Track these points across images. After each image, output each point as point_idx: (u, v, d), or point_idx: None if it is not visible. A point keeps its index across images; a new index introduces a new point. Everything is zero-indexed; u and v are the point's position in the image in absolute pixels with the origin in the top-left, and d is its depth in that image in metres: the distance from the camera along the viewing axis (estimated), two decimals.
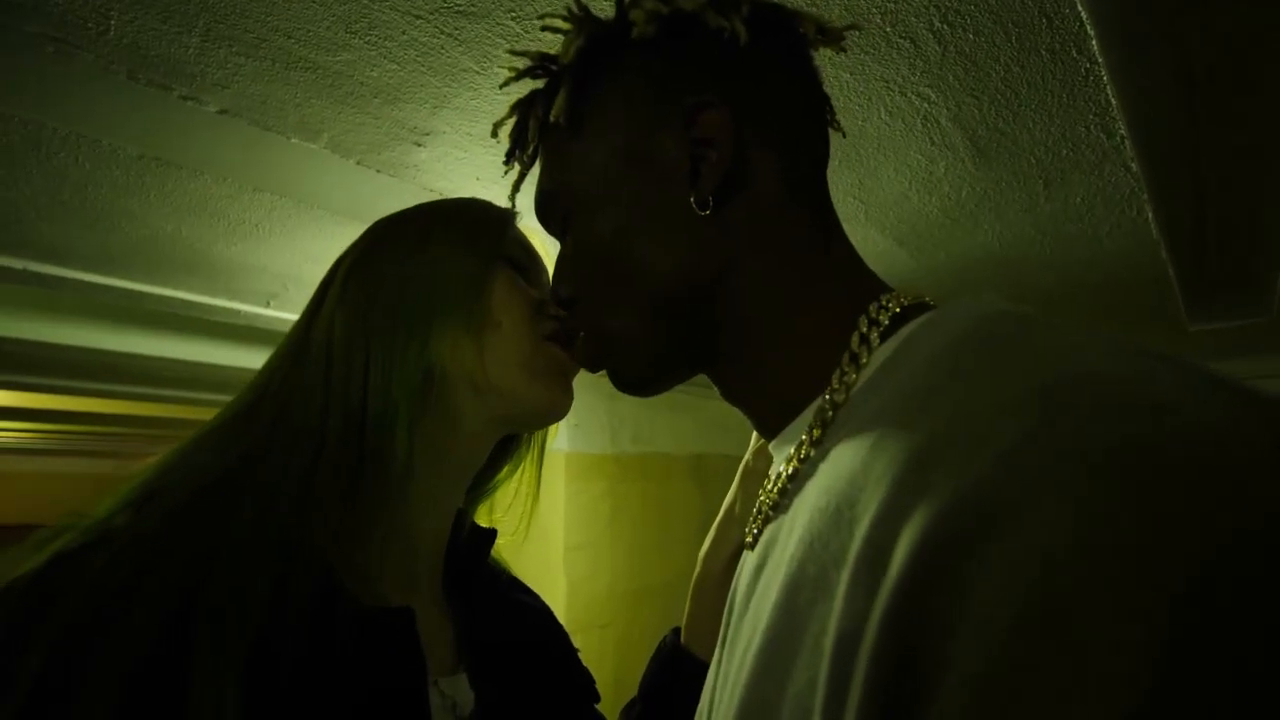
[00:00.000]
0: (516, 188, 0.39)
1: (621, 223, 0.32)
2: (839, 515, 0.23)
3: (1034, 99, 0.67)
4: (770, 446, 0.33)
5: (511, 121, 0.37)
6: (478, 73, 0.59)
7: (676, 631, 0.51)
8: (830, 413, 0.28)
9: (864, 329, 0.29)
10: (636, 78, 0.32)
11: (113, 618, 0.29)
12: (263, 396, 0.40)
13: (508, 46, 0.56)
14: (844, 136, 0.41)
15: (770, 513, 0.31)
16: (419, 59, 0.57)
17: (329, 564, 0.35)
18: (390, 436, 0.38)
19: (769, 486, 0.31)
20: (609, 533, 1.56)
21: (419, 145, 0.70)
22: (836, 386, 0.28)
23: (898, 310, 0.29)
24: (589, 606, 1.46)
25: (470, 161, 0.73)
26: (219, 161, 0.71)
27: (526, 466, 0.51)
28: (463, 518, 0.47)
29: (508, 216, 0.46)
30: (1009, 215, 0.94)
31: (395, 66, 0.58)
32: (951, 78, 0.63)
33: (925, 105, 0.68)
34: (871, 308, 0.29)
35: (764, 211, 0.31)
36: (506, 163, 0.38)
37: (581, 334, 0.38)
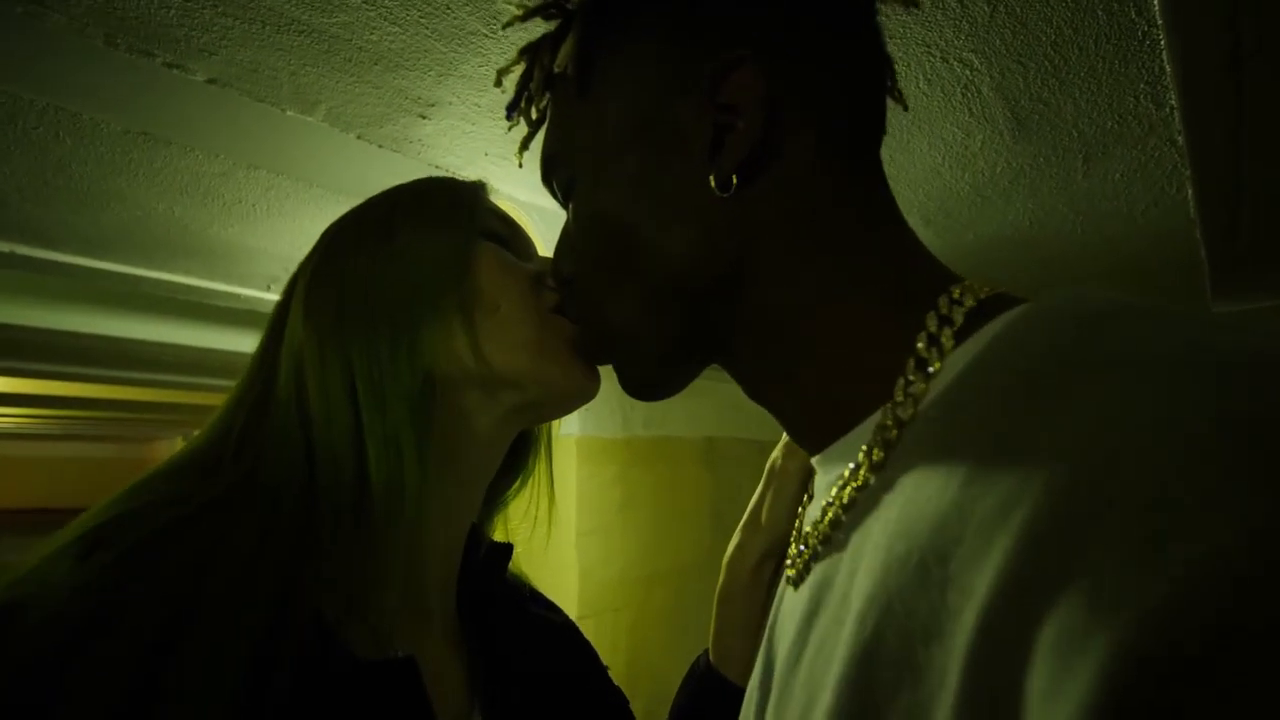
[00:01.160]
0: (524, 147, 0.35)
1: (627, 198, 0.28)
2: (924, 572, 0.18)
3: (1084, 65, 0.63)
4: (813, 461, 0.29)
5: (519, 70, 0.33)
6: (487, 36, 0.54)
7: (705, 654, 0.46)
8: (894, 431, 0.23)
9: (933, 328, 0.24)
10: (655, 26, 0.28)
11: (47, 690, 0.23)
12: (223, 449, 0.33)
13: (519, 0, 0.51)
14: (905, 109, 0.36)
15: (820, 548, 0.26)
16: (422, 21, 0.52)
17: (319, 614, 0.30)
18: (397, 468, 0.32)
19: (817, 515, 0.26)
20: (620, 518, 1.54)
21: (424, 117, 0.65)
22: (900, 399, 0.23)
23: (973, 305, 0.24)
24: (601, 591, 1.45)
25: (479, 135, 0.69)
26: (210, 136, 0.67)
27: (539, 465, 0.47)
28: (477, 532, 0.42)
29: (478, 189, 0.41)
30: (1043, 192, 0.89)
31: (397, 29, 0.53)
32: (999, 41, 0.59)
33: (967, 73, 0.63)
34: (942, 302, 0.24)
35: (797, 192, 0.26)
36: (509, 117, 0.33)
37: (578, 322, 0.35)
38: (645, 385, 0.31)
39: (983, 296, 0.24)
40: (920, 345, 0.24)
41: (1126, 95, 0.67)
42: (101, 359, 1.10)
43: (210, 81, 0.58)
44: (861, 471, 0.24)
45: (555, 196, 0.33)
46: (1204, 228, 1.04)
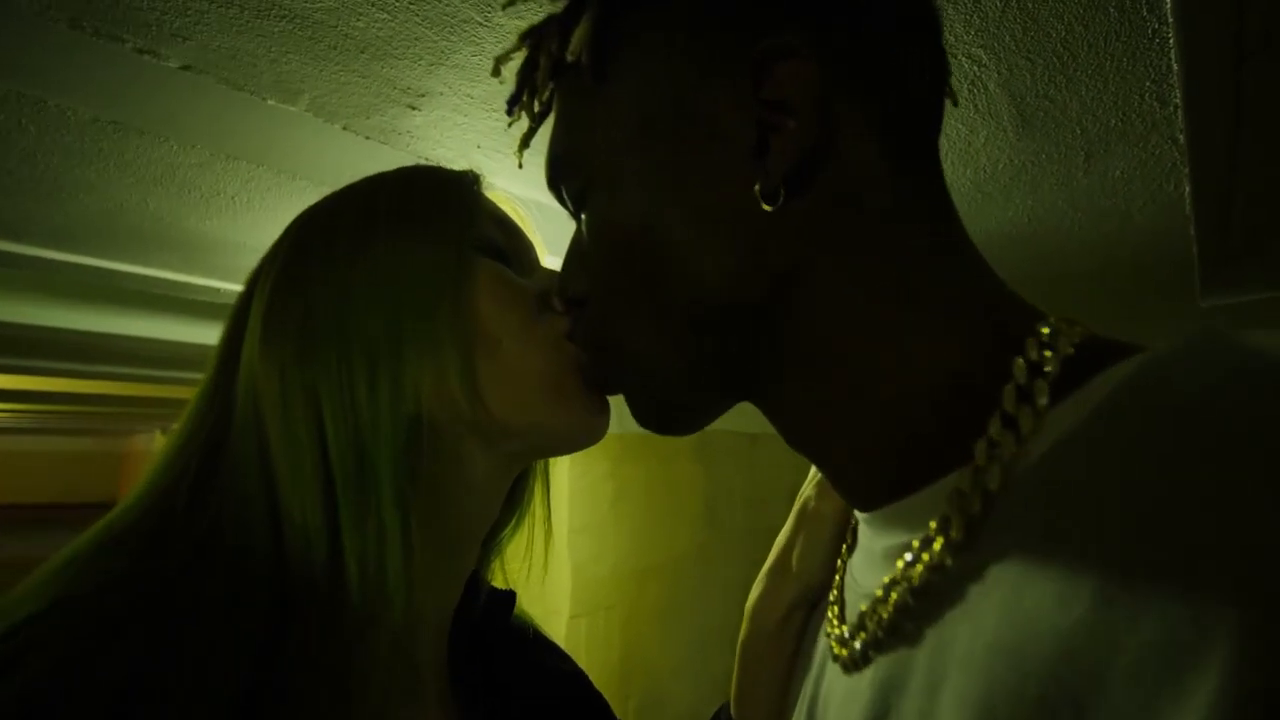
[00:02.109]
0: (524, 145, 0.31)
1: (651, 209, 0.24)
2: (1049, 716, 0.15)
3: (1092, 62, 0.61)
4: (862, 519, 0.25)
5: (520, 57, 0.29)
6: (481, 24, 0.51)
7: (726, 707, 0.43)
8: (977, 504, 0.19)
9: (1022, 378, 0.20)
10: (685, 5, 0.24)
11: None
12: (175, 499, 0.28)
13: None
14: (955, 105, 0.33)
15: (881, 634, 0.22)
16: (412, 7, 0.50)
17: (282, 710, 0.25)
18: (379, 552, 0.27)
19: (877, 592, 0.22)
20: (613, 514, 1.53)
21: (413, 109, 0.62)
22: (983, 463, 0.19)
23: (1070, 352, 0.20)
24: (593, 589, 1.44)
25: (471, 127, 0.66)
26: (186, 126, 0.63)
27: (537, 501, 0.42)
28: (475, 580, 0.38)
29: (472, 182, 0.35)
30: (1043, 189, 0.88)
31: (385, 16, 0.50)
32: (1008, 37, 0.57)
33: (975, 68, 0.61)
34: (1030, 345, 0.20)
35: (856, 206, 0.22)
36: (510, 112, 0.29)
37: (588, 350, 0.31)
38: (662, 421, 0.27)
39: (1077, 340, 0.20)
40: (1008, 399, 0.20)
41: (1132, 93, 0.67)
42: (77, 353, 1.06)
43: (185, 68, 0.55)
44: (936, 549, 0.20)
45: (564, 204, 0.29)
46: (1198, 225, 1.05)
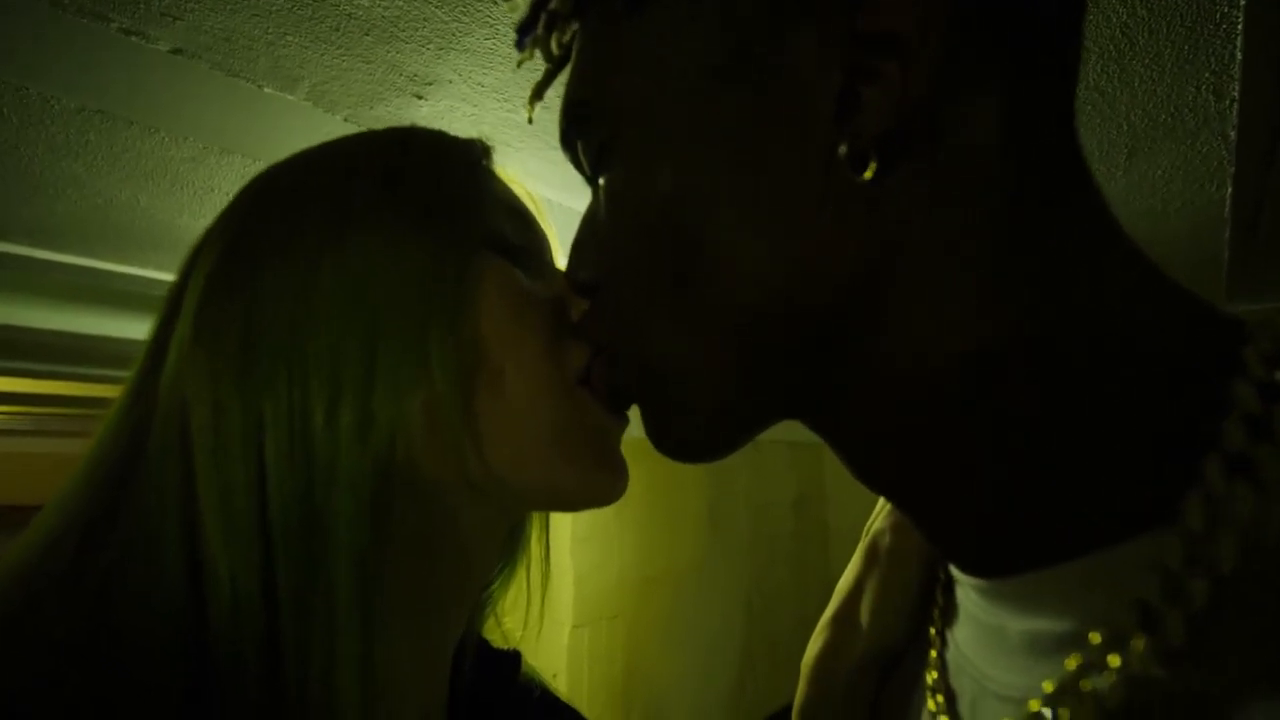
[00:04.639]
0: (538, 95, 0.25)
1: (696, 175, 0.18)
2: None
3: (1150, 49, 0.57)
4: (973, 583, 0.19)
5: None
6: (493, 3, 0.47)
7: None
8: (1201, 586, 0.14)
9: (1252, 403, 0.15)
10: None
11: None
12: (60, 548, 0.21)
13: None
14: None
15: None
16: None
17: None
18: (329, 629, 0.20)
19: (1036, 707, 0.17)
20: (617, 521, 1.49)
21: (419, 97, 0.58)
22: (1199, 527, 0.14)
23: None
24: (597, 598, 1.40)
25: (482, 119, 0.62)
26: (177, 116, 0.59)
27: (535, 549, 0.34)
28: (467, 638, 0.32)
29: (481, 155, 0.28)
30: None
31: None
32: None
33: None
34: (1252, 360, 0.15)
35: (975, 184, 0.17)
36: (520, 45, 0.24)
37: (600, 355, 0.25)
38: (687, 447, 0.22)
39: None
40: (1230, 438, 0.14)
41: (1188, 85, 0.63)
42: (66, 356, 1.02)
43: (175, 52, 0.51)
44: (1137, 652, 0.15)
45: (579, 163, 0.23)
46: (1233, 227, 1.01)
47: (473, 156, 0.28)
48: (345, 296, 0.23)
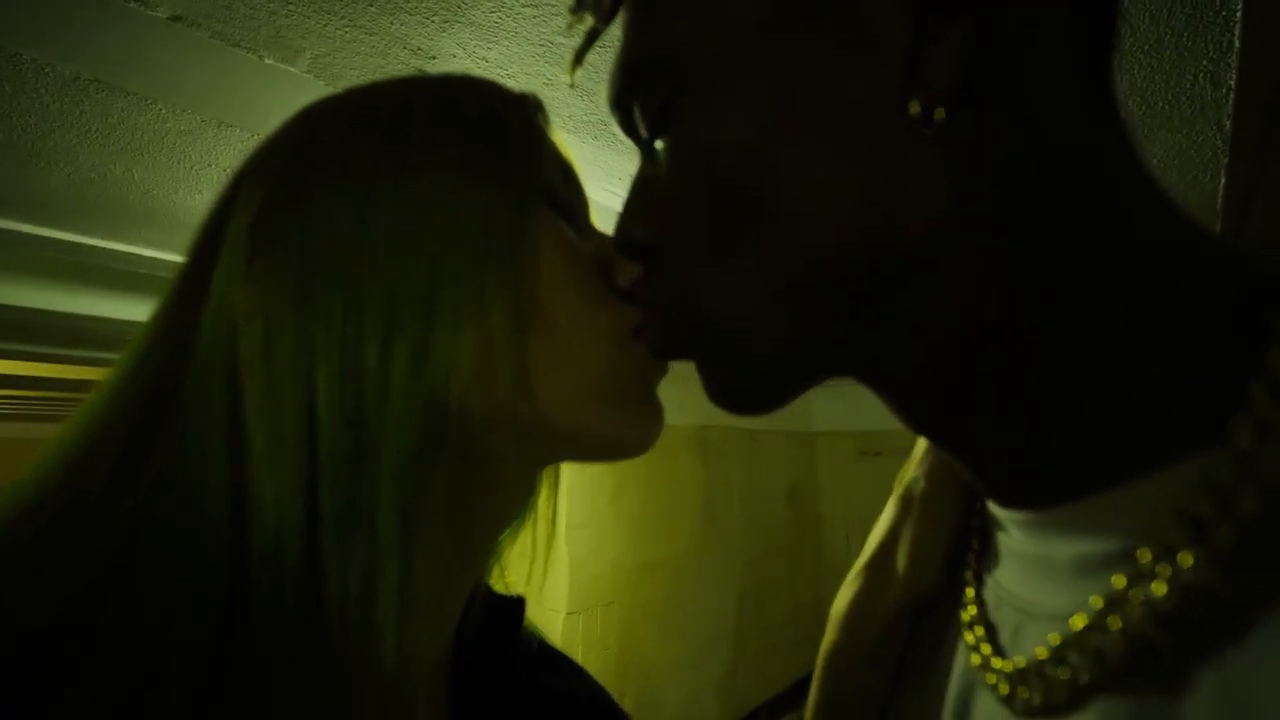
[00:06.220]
0: (579, 58, 0.25)
1: (763, 127, 0.19)
2: None
3: (1151, 37, 0.58)
4: (1016, 518, 0.20)
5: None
6: None
7: (759, 712, 0.35)
8: (1250, 503, 0.15)
9: None
10: None
11: None
12: (88, 481, 0.21)
13: None
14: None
15: (1103, 675, 0.17)
16: None
17: None
18: (370, 555, 0.21)
19: (1082, 620, 0.18)
20: (612, 509, 1.50)
21: (423, 71, 0.58)
22: (1248, 444, 0.15)
23: None
24: (592, 585, 1.41)
25: None
26: (175, 86, 0.59)
27: (544, 500, 0.35)
28: (478, 584, 0.32)
29: (534, 108, 0.29)
30: None
31: None
32: None
33: None
34: None
35: (1041, 135, 0.18)
36: (576, 9, 0.24)
37: (663, 312, 0.25)
38: (743, 397, 0.22)
39: None
40: (1278, 358, 0.15)
41: (1186, 72, 0.63)
42: (56, 337, 1.00)
43: (175, 19, 0.50)
44: (1191, 564, 0.15)
45: (630, 127, 0.23)
46: (1224, 220, 1.02)
47: (529, 109, 0.28)
48: (405, 233, 0.23)
